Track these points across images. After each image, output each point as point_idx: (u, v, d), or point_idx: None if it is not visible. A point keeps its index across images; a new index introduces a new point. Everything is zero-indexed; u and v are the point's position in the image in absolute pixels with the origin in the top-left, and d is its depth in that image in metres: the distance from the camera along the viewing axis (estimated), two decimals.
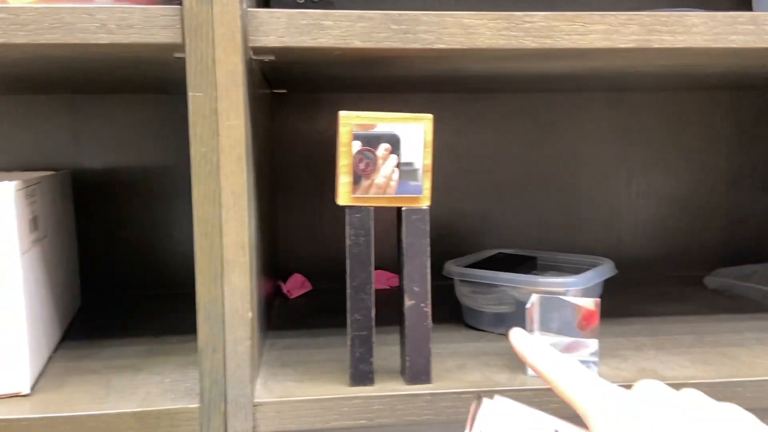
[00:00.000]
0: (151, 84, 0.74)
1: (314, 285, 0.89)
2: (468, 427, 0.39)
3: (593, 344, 0.58)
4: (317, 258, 0.91)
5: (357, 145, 0.51)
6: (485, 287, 0.67)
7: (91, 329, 0.70)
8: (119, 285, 0.87)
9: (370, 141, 0.51)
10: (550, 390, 0.53)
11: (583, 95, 0.93)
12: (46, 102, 0.84)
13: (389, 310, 0.66)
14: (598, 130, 0.94)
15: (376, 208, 0.53)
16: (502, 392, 0.53)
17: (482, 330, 0.68)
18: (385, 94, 0.90)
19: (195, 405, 0.50)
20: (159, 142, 0.86)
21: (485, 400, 0.40)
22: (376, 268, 0.91)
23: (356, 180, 0.51)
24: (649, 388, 0.39)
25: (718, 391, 0.53)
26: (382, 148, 0.52)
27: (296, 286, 0.86)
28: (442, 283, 0.88)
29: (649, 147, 0.94)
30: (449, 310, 0.76)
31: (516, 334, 0.46)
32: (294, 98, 0.89)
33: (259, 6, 0.57)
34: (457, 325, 0.70)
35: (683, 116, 0.94)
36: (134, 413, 0.49)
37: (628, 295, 0.83)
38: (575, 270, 0.72)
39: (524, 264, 0.73)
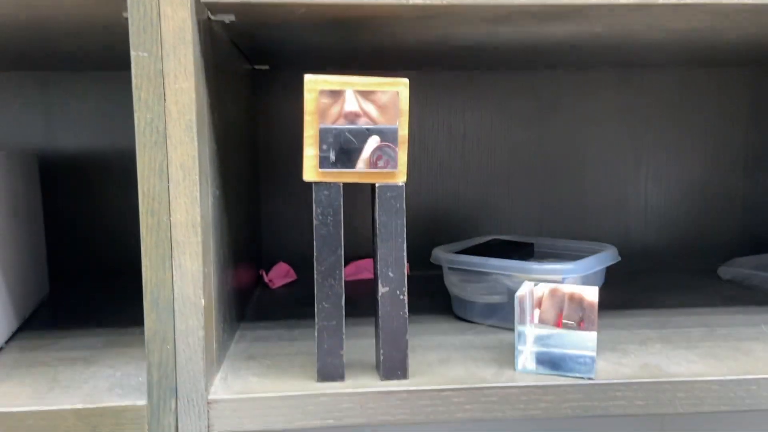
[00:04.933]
0: (125, 59, 0.70)
1: (300, 275, 0.84)
2: None
3: (591, 337, 0.52)
4: (304, 246, 0.86)
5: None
6: (475, 275, 0.61)
7: (53, 319, 0.66)
8: (91, 272, 0.82)
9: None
10: (538, 388, 0.47)
11: (589, 73, 0.87)
12: (15, 79, 0.80)
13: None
14: (605, 110, 0.87)
15: (349, 185, 0.47)
16: (487, 389, 0.47)
17: (472, 322, 0.63)
18: (376, 70, 0.85)
19: (143, 402, 0.45)
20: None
21: None
22: (365, 257, 0.86)
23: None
24: None
25: (730, 390, 0.47)
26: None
27: (280, 275, 0.81)
28: (433, 272, 0.83)
29: (659, 128, 0.88)
30: (438, 301, 0.70)
31: None
32: (277, 76, 0.83)
33: None
34: (445, 317, 0.65)
35: (696, 95, 0.88)
36: (75, 410, 0.44)
37: (634, 285, 0.77)
38: (575, 257, 0.66)
39: (520, 251, 0.68)
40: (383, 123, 0.47)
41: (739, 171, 0.89)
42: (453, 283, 0.64)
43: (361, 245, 0.86)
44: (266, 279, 0.79)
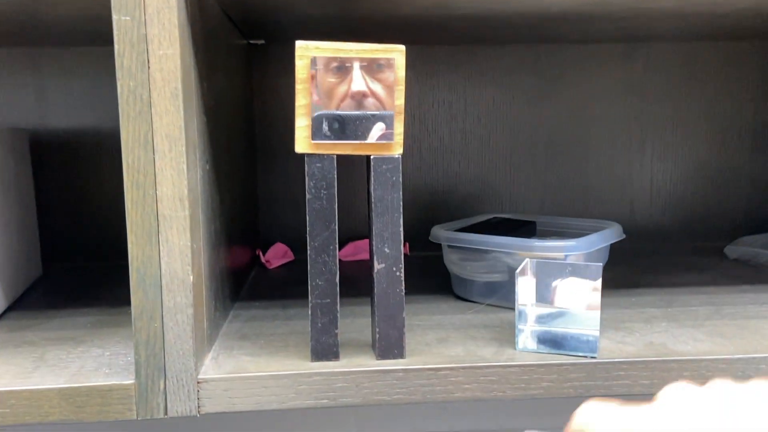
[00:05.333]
0: None
1: (298, 255, 0.82)
2: None
3: (594, 316, 0.50)
4: (303, 227, 0.84)
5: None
6: (475, 253, 0.60)
7: (44, 299, 0.65)
8: (85, 252, 0.81)
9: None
10: (539, 366, 0.46)
11: (593, 46, 0.84)
12: (6, 55, 0.78)
13: None
14: (610, 85, 0.85)
15: (347, 160, 0.46)
16: (486, 368, 0.46)
17: (472, 301, 0.61)
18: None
19: (130, 381, 0.44)
20: None
21: None
22: (364, 237, 0.84)
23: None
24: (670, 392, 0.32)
25: (738, 369, 0.46)
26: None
27: (277, 256, 0.80)
28: (433, 252, 0.81)
29: (666, 104, 0.86)
30: (438, 280, 0.69)
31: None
32: (273, 51, 0.81)
33: None
34: (444, 296, 0.63)
35: (704, 70, 0.85)
36: (59, 390, 0.43)
37: (640, 265, 0.75)
38: (578, 235, 0.64)
39: (521, 229, 0.66)
40: (390, 105, 0.45)
41: (747, 148, 0.87)
42: (452, 261, 0.62)
43: (360, 225, 0.84)
44: (263, 259, 0.78)
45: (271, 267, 0.77)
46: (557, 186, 0.86)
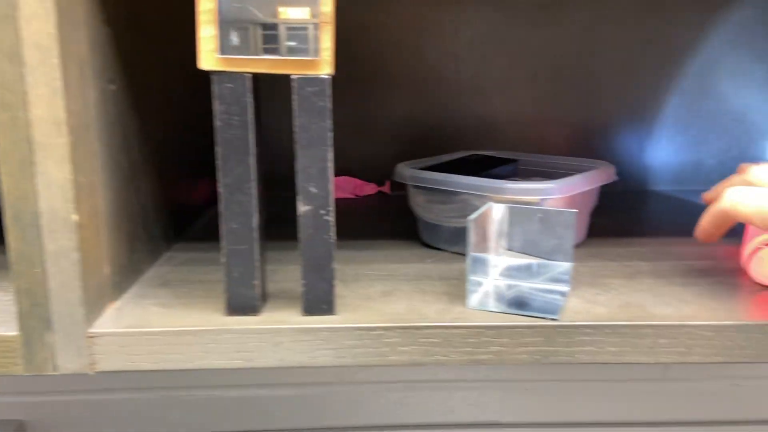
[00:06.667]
0: None
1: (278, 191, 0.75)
2: None
3: (564, 268, 0.43)
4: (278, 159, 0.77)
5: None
6: (443, 195, 0.52)
7: None
8: None
9: None
10: (488, 328, 0.39)
11: None
12: None
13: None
14: (623, 4, 0.74)
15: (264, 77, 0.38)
16: (426, 329, 0.39)
17: (438, 248, 0.54)
18: None
19: (14, 333, 0.38)
20: None
21: None
22: (342, 173, 0.77)
23: None
24: None
25: (727, 337, 0.38)
26: None
27: None
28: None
29: (688, 27, 0.75)
30: (408, 224, 0.62)
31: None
32: None
33: None
34: (410, 243, 0.56)
35: None
36: None
37: (639, 211, 0.67)
38: (563, 176, 0.56)
39: (499, 168, 0.58)
40: (315, 12, 0.36)
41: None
42: (418, 203, 0.55)
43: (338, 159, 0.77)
44: None
45: None
46: (561, 121, 0.77)
